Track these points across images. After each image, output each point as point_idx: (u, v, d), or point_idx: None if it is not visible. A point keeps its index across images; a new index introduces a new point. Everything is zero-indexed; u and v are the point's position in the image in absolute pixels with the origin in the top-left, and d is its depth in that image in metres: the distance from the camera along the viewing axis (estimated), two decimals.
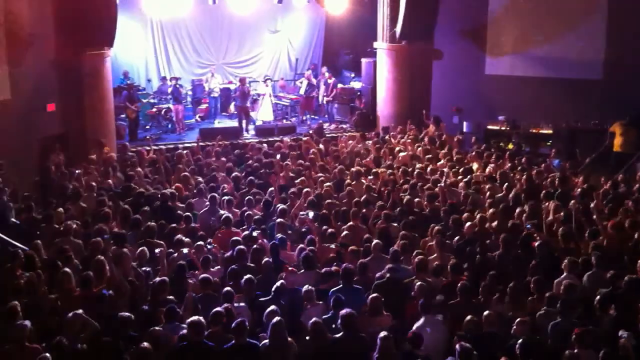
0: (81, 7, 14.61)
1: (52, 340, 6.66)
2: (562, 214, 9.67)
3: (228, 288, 7.61)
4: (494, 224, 9.81)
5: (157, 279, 7.92)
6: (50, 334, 6.88)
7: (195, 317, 6.65)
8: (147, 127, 18.60)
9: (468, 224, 9.53)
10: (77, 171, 12.57)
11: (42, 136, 14.57)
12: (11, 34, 13.74)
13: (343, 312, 6.73)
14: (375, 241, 9.01)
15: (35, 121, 14.36)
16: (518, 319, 6.79)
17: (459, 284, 7.59)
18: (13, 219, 10.54)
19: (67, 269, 8.11)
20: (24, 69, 14.12)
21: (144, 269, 8.46)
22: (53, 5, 14.79)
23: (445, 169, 12.37)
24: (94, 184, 11.80)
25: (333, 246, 9.16)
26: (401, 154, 13.92)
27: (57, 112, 15.14)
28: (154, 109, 18.57)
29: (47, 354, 6.29)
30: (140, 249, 8.96)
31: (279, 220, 9.92)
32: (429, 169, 12.55)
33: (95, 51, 15.41)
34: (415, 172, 12.25)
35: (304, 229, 9.86)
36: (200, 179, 12.51)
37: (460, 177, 12.04)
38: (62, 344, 6.49)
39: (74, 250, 8.99)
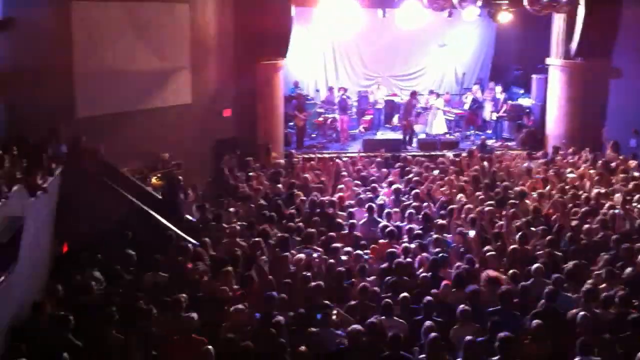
0: (260, 20, 15.43)
1: (216, 333, 7.06)
2: None
3: (386, 300, 7.66)
4: None
5: (313, 283, 8.14)
6: (214, 327, 7.31)
7: (357, 326, 6.76)
8: (313, 135, 19.22)
9: None
10: (249, 174, 13.27)
11: (217, 139, 15.53)
12: (195, 42, 14.86)
13: (502, 335, 6.52)
14: (536, 265, 8.64)
15: (211, 125, 15.35)
16: None
17: (631, 317, 7.08)
18: (187, 216, 11.36)
19: (229, 268, 8.56)
20: (204, 75, 15.22)
21: (302, 273, 8.73)
22: (234, 17, 15.80)
23: (619, 195, 11.59)
24: (262, 187, 12.40)
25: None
26: (571, 175, 13.25)
27: (232, 118, 16.10)
28: (321, 118, 19.14)
29: (210, 347, 6.64)
30: (299, 254, 9.27)
31: (437, 236, 9.83)
32: (599, 193, 11.81)
33: (269, 61, 16.23)
34: (584, 197, 11.61)
35: (462, 248, 9.68)
36: (360, 189, 12.69)
37: (635, 205, 11.23)
38: (227, 338, 6.85)
39: (239, 251, 9.44)
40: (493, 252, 9.23)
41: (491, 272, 8.61)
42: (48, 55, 11.41)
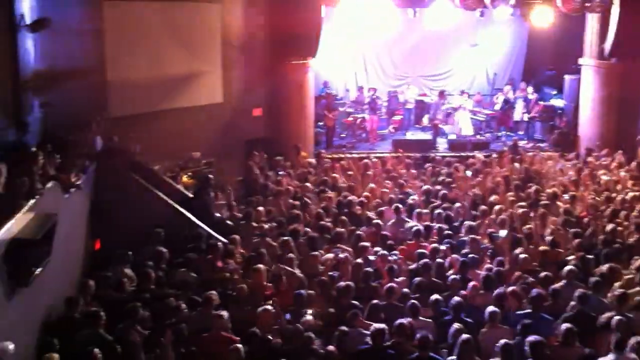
0: (290, 20, 15.46)
1: (246, 330, 7.09)
2: None
3: (414, 301, 7.62)
4: None
5: (342, 283, 8.12)
6: (244, 325, 7.33)
7: (380, 325, 6.74)
8: (342, 135, 19.19)
9: None
10: (280, 173, 13.32)
11: (247, 138, 15.61)
12: (226, 42, 14.97)
13: (532, 339, 6.44)
14: (568, 267, 8.53)
15: (242, 124, 15.44)
16: None
17: None
18: (217, 214, 11.43)
19: (260, 266, 8.59)
20: (235, 75, 15.32)
21: (330, 272, 8.73)
22: (265, 18, 15.85)
23: None
24: (291, 187, 12.42)
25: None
26: (604, 177, 13.04)
27: (262, 117, 16.17)
28: (350, 118, 19.11)
29: (240, 345, 6.67)
30: (328, 253, 9.27)
31: (468, 237, 9.75)
32: (634, 197, 11.61)
33: (299, 61, 16.26)
34: (619, 199, 11.42)
35: (491, 250, 9.59)
36: (388, 189, 12.63)
37: None
38: (256, 335, 6.88)
39: (268, 250, 9.48)
40: (524, 255, 9.12)
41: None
42: (81, 54, 11.56)
